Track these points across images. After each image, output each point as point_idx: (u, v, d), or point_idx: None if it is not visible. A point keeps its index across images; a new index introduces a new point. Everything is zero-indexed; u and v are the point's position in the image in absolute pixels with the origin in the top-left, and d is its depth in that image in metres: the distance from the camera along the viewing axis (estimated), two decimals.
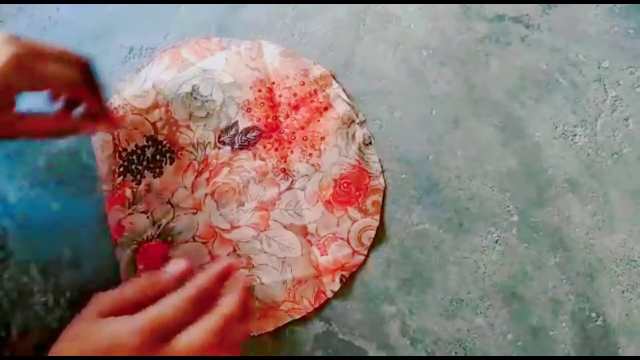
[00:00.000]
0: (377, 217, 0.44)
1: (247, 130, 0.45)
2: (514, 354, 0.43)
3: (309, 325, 0.45)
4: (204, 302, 0.34)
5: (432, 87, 0.46)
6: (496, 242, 0.44)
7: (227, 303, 0.34)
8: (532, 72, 0.45)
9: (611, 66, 0.44)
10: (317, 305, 0.44)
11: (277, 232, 0.44)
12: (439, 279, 0.44)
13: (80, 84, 0.41)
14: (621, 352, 0.42)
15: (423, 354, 0.43)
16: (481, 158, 0.45)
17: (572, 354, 0.42)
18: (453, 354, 0.43)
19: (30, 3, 0.51)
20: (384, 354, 0.44)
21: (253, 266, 0.44)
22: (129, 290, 0.35)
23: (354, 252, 0.44)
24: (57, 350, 0.34)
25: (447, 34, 0.46)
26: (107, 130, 0.45)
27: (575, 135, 0.44)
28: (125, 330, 0.32)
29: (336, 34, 0.47)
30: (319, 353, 0.44)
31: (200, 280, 0.35)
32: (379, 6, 0.47)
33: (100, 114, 0.43)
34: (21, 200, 0.49)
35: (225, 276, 0.36)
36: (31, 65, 0.37)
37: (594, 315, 0.42)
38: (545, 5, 0.45)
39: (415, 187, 0.45)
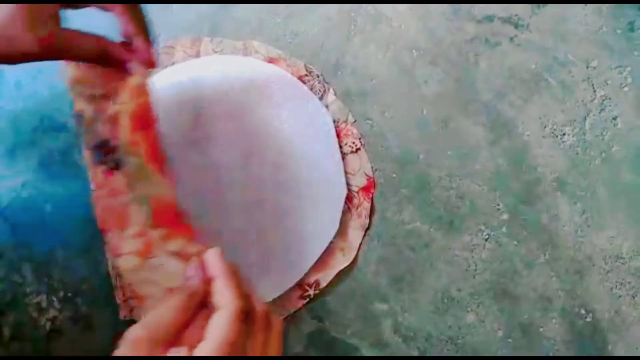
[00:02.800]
0: None
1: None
2: (505, 351, 0.43)
3: (301, 323, 0.45)
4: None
5: (422, 87, 0.46)
6: (486, 240, 0.44)
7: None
8: (521, 72, 0.45)
9: (599, 66, 0.45)
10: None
11: None
12: (430, 277, 0.44)
13: None
14: (610, 348, 0.42)
15: (415, 351, 0.44)
16: (471, 157, 0.45)
17: (562, 350, 0.43)
18: (445, 351, 0.44)
19: (25, 3, 0.51)
20: (376, 352, 0.44)
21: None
22: (165, 316, 0.32)
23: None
24: None
25: (437, 35, 0.46)
26: (142, 70, 0.39)
27: (564, 134, 0.45)
28: None
29: (327, 34, 0.47)
30: (311, 351, 0.45)
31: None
32: (370, 6, 0.47)
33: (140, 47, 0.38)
34: (13, 201, 0.49)
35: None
36: None
37: (583, 312, 0.43)
38: (534, 5, 0.46)
39: (406, 186, 0.45)
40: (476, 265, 0.44)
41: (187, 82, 0.46)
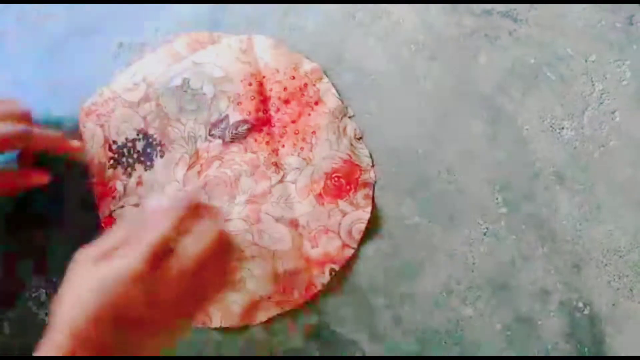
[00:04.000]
0: (368, 210, 0.45)
1: (237, 124, 0.45)
2: (503, 344, 0.43)
3: (300, 317, 0.45)
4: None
5: (421, 82, 0.46)
6: (485, 234, 0.44)
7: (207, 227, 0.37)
8: (520, 66, 0.45)
9: (598, 60, 0.45)
10: (307, 297, 0.44)
11: (268, 224, 0.44)
12: (429, 271, 0.45)
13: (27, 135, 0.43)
14: (608, 341, 0.43)
15: (414, 344, 0.44)
16: (470, 151, 0.45)
17: (560, 343, 0.43)
18: (443, 344, 0.44)
19: (20, 3, 0.51)
20: (375, 346, 0.44)
21: (244, 258, 0.45)
22: (115, 234, 0.36)
23: (344, 245, 0.44)
24: (65, 305, 0.34)
25: (437, 29, 0.46)
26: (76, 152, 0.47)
27: (562, 128, 0.45)
28: (128, 261, 0.33)
29: (326, 28, 0.47)
30: (310, 345, 0.45)
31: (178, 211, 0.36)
32: None
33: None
34: (10, 197, 0.49)
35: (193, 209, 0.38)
36: None
37: (581, 305, 0.43)
38: None
39: (405, 181, 0.45)
40: (475, 259, 0.44)
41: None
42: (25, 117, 0.45)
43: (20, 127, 0.42)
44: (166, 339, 0.35)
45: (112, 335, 0.32)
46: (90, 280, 0.33)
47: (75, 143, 0.46)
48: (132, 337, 0.33)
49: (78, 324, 0.32)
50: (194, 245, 0.35)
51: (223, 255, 0.38)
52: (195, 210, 0.37)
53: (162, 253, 0.34)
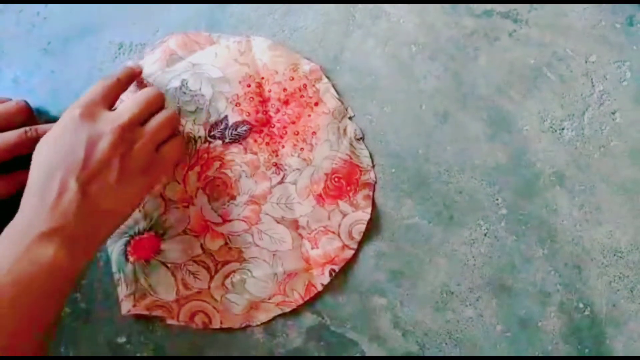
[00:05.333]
0: (368, 211, 0.45)
1: (237, 125, 0.45)
2: (503, 345, 0.43)
3: (301, 318, 0.45)
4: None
5: (421, 82, 0.46)
6: (485, 234, 0.44)
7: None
8: (520, 66, 0.45)
9: (598, 60, 0.45)
10: (307, 298, 0.44)
11: (268, 225, 0.44)
12: (429, 272, 0.45)
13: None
14: (608, 343, 0.43)
15: (414, 345, 0.44)
16: (470, 152, 0.45)
17: (561, 344, 0.43)
18: (443, 345, 0.44)
19: (20, 3, 0.51)
20: (375, 346, 0.44)
21: (244, 259, 0.45)
22: (95, 91, 0.41)
23: (344, 245, 0.44)
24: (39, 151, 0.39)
25: (436, 29, 0.46)
26: None
27: (562, 129, 0.45)
28: (107, 127, 0.39)
29: (326, 29, 0.47)
30: (310, 346, 0.45)
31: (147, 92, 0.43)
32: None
33: None
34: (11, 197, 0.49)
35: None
36: None
37: (581, 306, 0.43)
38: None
39: (405, 181, 0.45)
40: (475, 260, 0.44)
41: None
42: (22, 112, 0.45)
43: (16, 133, 0.43)
44: (125, 205, 0.40)
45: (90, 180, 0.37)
46: (77, 133, 0.38)
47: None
48: (105, 188, 0.38)
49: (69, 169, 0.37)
50: (170, 152, 0.43)
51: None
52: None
53: (132, 127, 0.40)
